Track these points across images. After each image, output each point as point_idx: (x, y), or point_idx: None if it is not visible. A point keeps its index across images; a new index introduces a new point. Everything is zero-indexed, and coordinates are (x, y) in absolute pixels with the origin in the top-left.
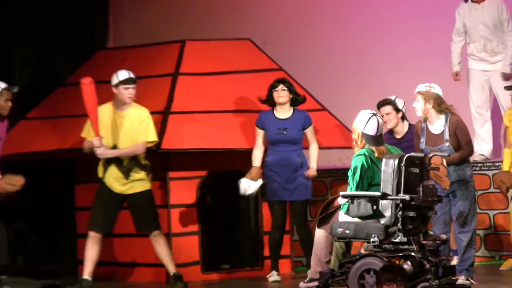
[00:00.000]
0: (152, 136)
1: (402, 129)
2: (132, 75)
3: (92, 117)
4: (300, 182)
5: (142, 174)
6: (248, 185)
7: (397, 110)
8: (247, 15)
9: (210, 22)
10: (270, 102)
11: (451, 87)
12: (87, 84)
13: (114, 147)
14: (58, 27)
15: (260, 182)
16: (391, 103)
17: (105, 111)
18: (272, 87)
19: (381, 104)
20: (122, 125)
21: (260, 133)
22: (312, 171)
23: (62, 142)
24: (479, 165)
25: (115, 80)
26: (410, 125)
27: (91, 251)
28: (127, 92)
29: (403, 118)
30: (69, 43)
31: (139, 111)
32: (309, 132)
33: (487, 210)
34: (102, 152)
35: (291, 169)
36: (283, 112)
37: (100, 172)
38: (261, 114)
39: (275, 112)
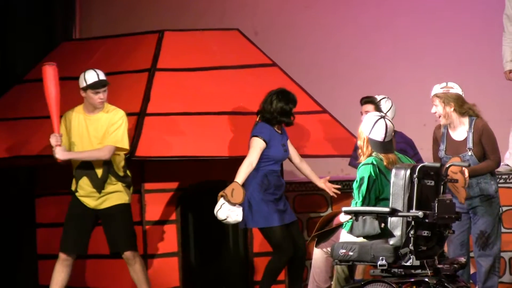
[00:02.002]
0: (122, 142)
1: None
2: (102, 76)
3: (53, 108)
4: (287, 203)
5: (118, 186)
6: (229, 211)
7: (379, 111)
8: (235, 2)
9: (192, 9)
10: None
11: (471, 87)
12: (50, 66)
13: None
14: (13, 14)
15: (241, 208)
16: (374, 102)
17: (74, 116)
18: (292, 104)
19: (364, 101)
20: (94, 131)
21: (262, 148)
22: (334, 186)
23: (21, 148)
24: (503, 177)
25: (82, 83)
26: (395, 133)
27: (60, 274)
28: (97, 97)
29: None
30: (27, 33)
31: (113, 114)
32: (291, 146)
33: None
34: (60, 153)
35: (283, 190)
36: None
37: (72, 185)
38: (265, 126)
39: (272, 126)
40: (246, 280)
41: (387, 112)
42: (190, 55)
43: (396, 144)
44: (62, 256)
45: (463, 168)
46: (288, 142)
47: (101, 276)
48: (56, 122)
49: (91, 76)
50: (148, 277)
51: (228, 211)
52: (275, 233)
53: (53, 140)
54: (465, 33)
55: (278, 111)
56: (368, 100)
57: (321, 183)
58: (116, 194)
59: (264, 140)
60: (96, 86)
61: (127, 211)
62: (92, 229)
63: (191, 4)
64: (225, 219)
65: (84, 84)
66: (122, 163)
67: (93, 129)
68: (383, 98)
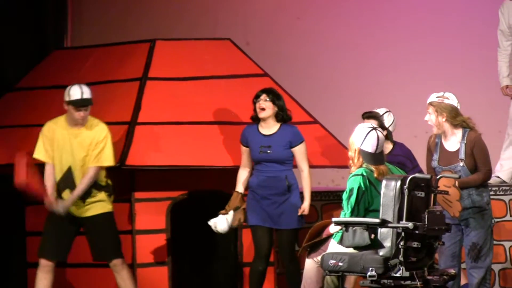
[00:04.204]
0: (108, 161)
1: (384, 148)
2: (86, 95)
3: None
4: (287, 208)
5: (102, 195)
6: (216, 221)
7: (382, 127)
8: (227, 12)
9: (184, 19)
10: (257, 117)
11: (462, 99)
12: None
13: (69, 168)
14: (5, 22)
15: (231, 213)
16: (377, 117)
17: (57, 128)
18: (254, 98)
19: (366, 116)
20: (77, 144)
21: (244, 151)
22: (303, 210)
23: (12, 156)
24: (493, 188)
25: (66, 96)
26: (395, 145)
27: (42, 281)
28: (77, 114)
29: (388, 137)
30: (19, 41)
31: (96, 131)
32: (298, 152)
33: (502, 241)
34: (62, 208)
35: (276, 193)
36: (268, 127)
37: (54, 193)
38: (245, 129)
39: (259, 127)
40: None
41: (389, 126)
42: (182, 64)
43: (395, 157)
44: (42, 262)
45: (455, 180)
46: (299, 147)
47: (84, 285)
48: (43, 191)
49: (75, 92)
50: (135, 284)
51: (216, 220)
52: (253, 232)
53: (49, 206)
54: (456, 46)
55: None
56: (370, 115)
57: (302, 207)
58: (100, 204)
59: (241, 143)
60: (77, 104)
61: (112, 219)
62: (74, 237)
63: (183, 14)
64: (215, 227)
65: (67, 99)
66: (104, 173)
67: (77, 142)
68: (386, 112)
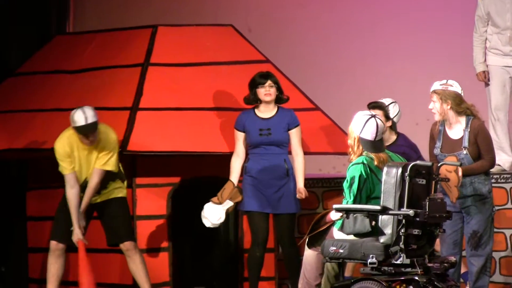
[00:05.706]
0: (111, 166)
1: (387, 138)
2: (91, 119)
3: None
4: (286, 193)
5: (117, 182)
6: (208, 214)
7: (387, 117)
8: None
9: (186, 4)
10: (255, 100)
11: (463, 87)
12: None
13: (85, 180)
14: (6, 8)
15: (228, 205)
16: (382, 107)
17: (72, 143)
18: (258, 83)
19: (372, 106)
20: (89, 157)
21: (240, 137)
22: (302, 193)
23: (13, 141)
24: (495, 176)
25: (71, 122)
26: (398, 136)
27: (54, 266)
28: (84, 140)
29: (392, 127)
30: (21, 26)
31: (104, 142)
32: (294, 134)
33: (503, 229)
34: (77, 236)
35: (276, 176)
36: (267, 110)
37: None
38: (241, 114)
39: (257, 111)
40: (236, 276)
41: (394, 117)
42: (184, 50)
43: (398, 147)
44: (52, 244)
45: (458, 167)
46: (295, 130)
47: (94, 271)
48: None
49: (79, 118)
50: (147, 271)
51: (206, 215)
52: (250, 218)
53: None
54: (457, 33)
55: (253, 86)
56: (376, 105)
57: (298, 188)
58: (114, 189)
59: (236, 129)
60: (82, 131)
61: (125, 204)
62: (87, 221)
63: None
64: (209, 225)
65: (73, 125)
66: (116, 162)
67: (90, 154)
68: (392, 102)
